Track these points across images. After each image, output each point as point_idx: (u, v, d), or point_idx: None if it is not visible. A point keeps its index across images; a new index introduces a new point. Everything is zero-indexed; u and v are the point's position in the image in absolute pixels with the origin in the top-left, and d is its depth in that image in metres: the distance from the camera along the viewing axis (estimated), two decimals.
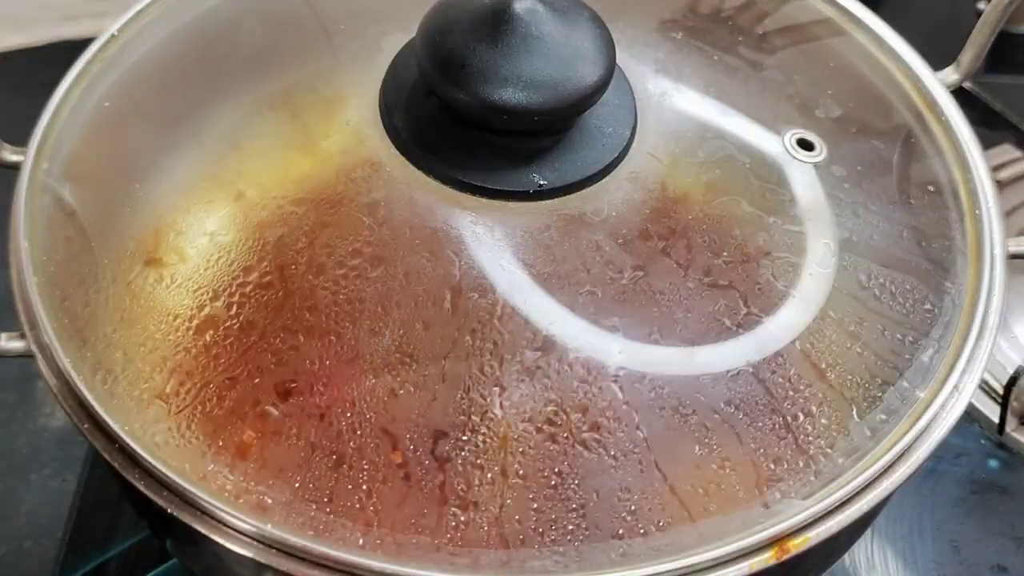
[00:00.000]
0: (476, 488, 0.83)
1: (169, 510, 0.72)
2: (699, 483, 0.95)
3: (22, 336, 0.80)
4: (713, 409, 1.00)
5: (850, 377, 1.02)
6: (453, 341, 0.85)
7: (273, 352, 1.02)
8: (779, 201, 1.09)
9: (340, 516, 0.90)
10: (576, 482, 0.93)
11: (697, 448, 1.01)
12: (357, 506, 0.89)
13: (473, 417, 0.83)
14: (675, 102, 0.98)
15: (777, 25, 1.06)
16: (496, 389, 0.83)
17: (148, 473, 0.75)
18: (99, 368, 0.94)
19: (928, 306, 0.97)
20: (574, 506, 0.92)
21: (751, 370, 1.03)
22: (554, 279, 0.85)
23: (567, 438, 0.96)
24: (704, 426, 1.03)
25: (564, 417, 0.97)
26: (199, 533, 0.72)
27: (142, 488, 0.73)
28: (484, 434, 0.84)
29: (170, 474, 0.93)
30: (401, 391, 0.95)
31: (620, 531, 0.91)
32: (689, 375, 0.92)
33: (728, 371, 1.03)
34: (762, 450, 0.99)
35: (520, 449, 0.84)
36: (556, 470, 0.95)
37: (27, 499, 1.08)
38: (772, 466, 0.98)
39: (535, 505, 0.90)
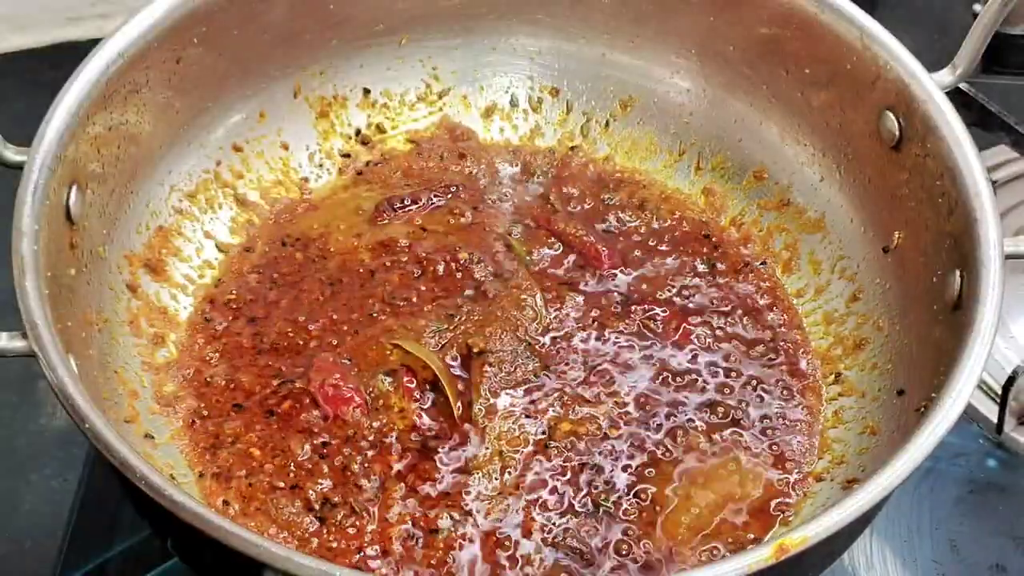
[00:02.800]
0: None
1: (170, 510, 0.72)
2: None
3: (24, 336, 0.80)
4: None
5: (850, 377, 1.03)
6: None
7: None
8: (791, 198, 1.10)
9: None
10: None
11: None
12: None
13: None
14: None
15: (773, 27, 1.06)
16: None
17: (147, 476, 0.75)
18: (101, 369, 0.95)
19: (927, 306, 0.97)
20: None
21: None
22: None
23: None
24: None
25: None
26: (200, 532, 0.72)
27: (143, 488, 0.73)
28: None
29: (170, 476, 0.93)
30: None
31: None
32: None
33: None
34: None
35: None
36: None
37: (28, 498, 1.08)
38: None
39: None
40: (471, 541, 0.90)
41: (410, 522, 0.90)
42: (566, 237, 1.09)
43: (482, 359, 0.98)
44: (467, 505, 0.91)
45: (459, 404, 0.96)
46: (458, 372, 0.99)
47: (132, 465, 0.74)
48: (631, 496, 0.92)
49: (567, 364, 1.00)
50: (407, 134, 1.18)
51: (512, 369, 0.98)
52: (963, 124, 0.94)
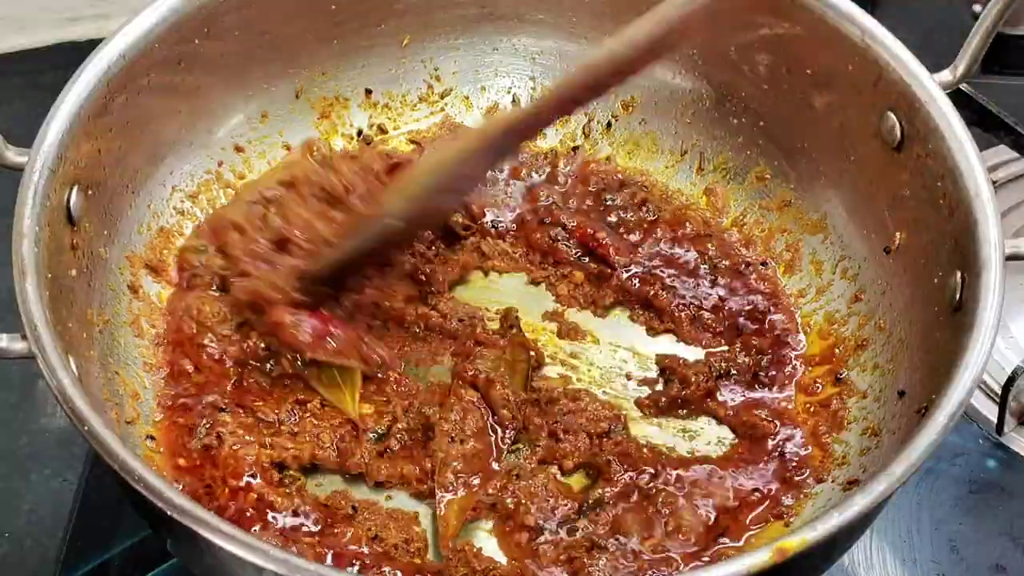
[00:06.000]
0: None
1: (169, 513, 0.72)
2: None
3: (24, 338, 0.80)
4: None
5: (852, 378, 1.03)
6: None
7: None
8: (792, 199, 1.10)
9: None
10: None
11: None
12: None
13: None
14: None
15: (775, 27, 1.06)
16: None
17: (146, 478, 0.75)
18: (103, 370, 0.95)
19: (928, 307, 0.97)
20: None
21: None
22: None
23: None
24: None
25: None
26: (198, 535, 0.72)
27: (141, 490, 0.73)
28: None
29: (167, 479, 0.93)
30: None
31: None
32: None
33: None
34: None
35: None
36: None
37: (28, 499, 1.08)
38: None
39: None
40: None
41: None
42: (573, 231, 1.09)
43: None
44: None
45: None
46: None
47: (130, 467, 0.74)
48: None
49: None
50: (409, 135, 1.18)
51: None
52: (964, 125, 0.94)
